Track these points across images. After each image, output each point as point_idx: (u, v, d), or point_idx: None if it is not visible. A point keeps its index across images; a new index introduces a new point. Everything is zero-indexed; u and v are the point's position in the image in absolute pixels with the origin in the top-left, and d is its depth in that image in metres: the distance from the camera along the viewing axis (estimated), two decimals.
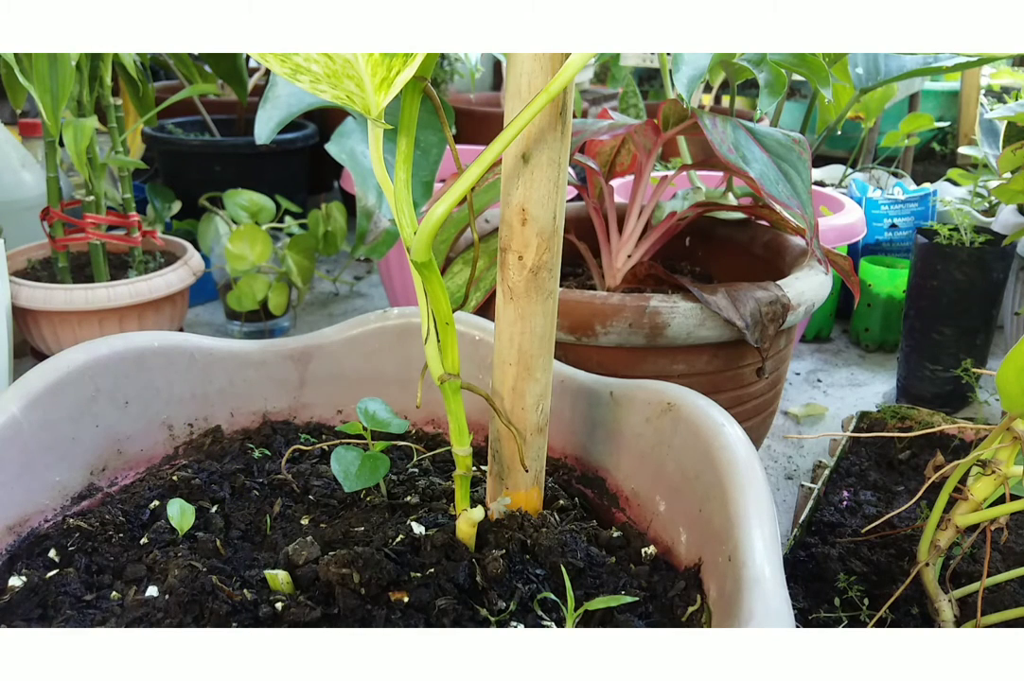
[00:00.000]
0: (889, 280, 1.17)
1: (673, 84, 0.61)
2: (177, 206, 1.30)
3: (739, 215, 0.80)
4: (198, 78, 1.27)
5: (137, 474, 0.50)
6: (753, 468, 0.40)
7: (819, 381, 1.13)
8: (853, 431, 0.87)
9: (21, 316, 0.97)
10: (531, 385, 0.42)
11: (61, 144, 0.93)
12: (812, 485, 0.75)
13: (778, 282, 0.64)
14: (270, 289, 1.04)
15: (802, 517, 0.70)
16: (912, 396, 1.05)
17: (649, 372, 0.62)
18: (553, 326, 0.41)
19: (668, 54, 0.78)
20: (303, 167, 1.41)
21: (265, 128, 0.77)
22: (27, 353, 1.05)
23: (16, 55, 0.91)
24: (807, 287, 0.64)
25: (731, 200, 0.76)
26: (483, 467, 0.50)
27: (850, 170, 1.50)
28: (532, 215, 0.38)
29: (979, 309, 0.99)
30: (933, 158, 1.91)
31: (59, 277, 1.01)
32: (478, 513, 0.40)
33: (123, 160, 0.97)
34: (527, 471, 0.42)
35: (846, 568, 0.63)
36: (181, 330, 1.10)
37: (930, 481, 0.56)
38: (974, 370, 0.81)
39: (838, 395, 1.09)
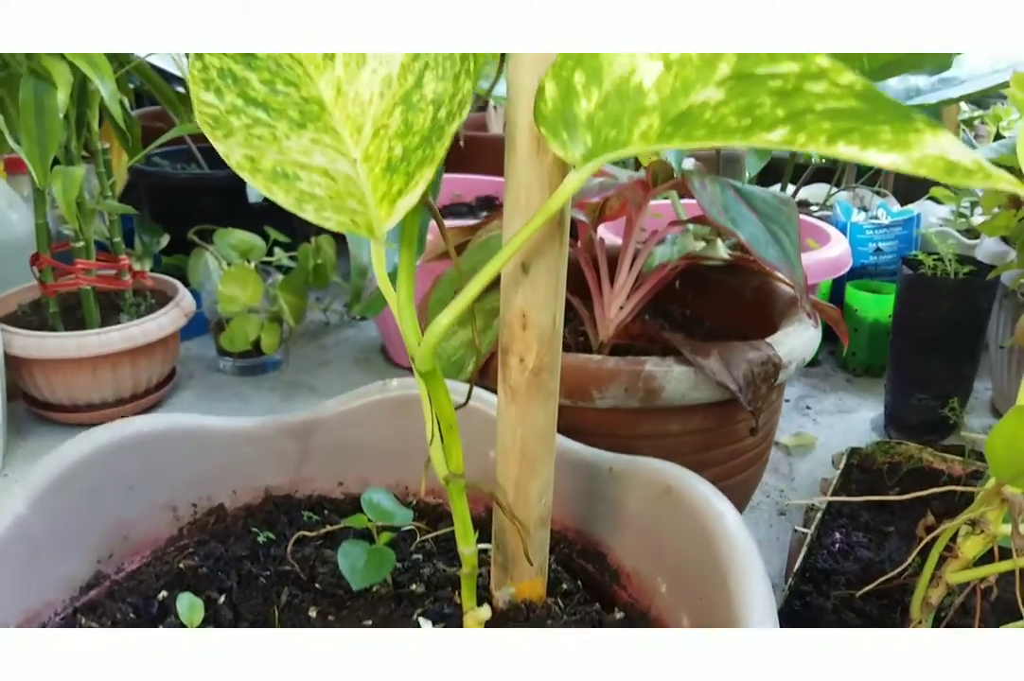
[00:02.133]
0: (875, 305, 1.19)
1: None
2: (165, 240, 1.29)
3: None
4: (181, 108, 1.26)
5: (143, 558, 0.51)
6: (753, 561, 0.41)
7: (808, 408, 1.14)
8: (844, 467, 0.89)
9: (14, 364, 0.97)
10: (534, 481, 0.42)
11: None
12: (805, 529, 0.76)
13: (769, 340, 0.65)
14: (262, 329, 1.04)
15: (796, 565, 0.72)
16: (900, 423, 1.07)
17: (645, 431, 0.63)
18: (554, 423, 0.42)
19: None
20: None
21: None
22: (19, 396, 1.05)
23: (3, 108, 0.91)
24: (797, 343, 0.65)
25: (720, 248, 0.77)
26: (485, 545, 0.50)
27: (834, 189, 1.52)
28: (532, 320, 0.39)
29: (964, 338, 1.01)
30: None
31: (50, 322, 1.01)
32: (485, 612, 0.40)
33: (113, 205, 0.97)
34: (531, 564, 0.43)
35: (840, 621, 0.64)
36: (174, 370, 1.10)
37: (923, 543, 0.57)
38: (965, 434, 0.82)
39: (827, 422, 1.10)
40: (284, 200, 0.34)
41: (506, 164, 0.38)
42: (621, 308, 0.74)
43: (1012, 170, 0.44)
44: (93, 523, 0.48)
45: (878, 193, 1.50)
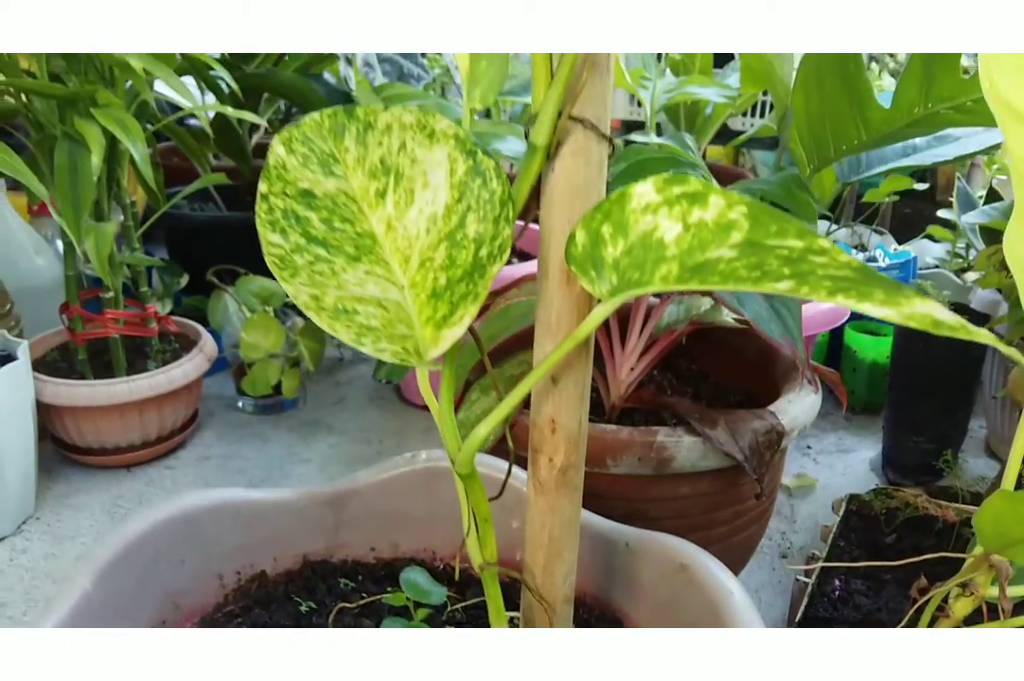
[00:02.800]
0: (873, 347, 1.23)
1: None
2: (185, 280, 1.33)
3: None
4: (204, 158, 1.30)
5: (192, 624, 0.55)
6: None
7: (809, 447, 1.18)
8: (843, 514, 0.93)
9: (44, 409, 1.00)
10: (560, 564, 0.46)
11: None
12: (806, 579, 0.80)
13: (772, 407, 0.69)
14: (283, 373, 1.08)
15: (798, 614, 0.76)
16: (897, 465, 1.11)
17: (656, 495, 0.67)
18: (579, 513, 0.46)
19: None
20: None
21: None
22: (46, 438, 1.09)
23: (35, 167, 0.95)
24: (800, 411, 0.69)
25: (724, 313, 0.81)
26: (512, 613, 0.54)
27: (834, 226, 1.56)
28: (561, 425, 0.43)
29: (959, 385, 1.05)
30: (914, 198, 1.96)
31: (79, 368, 1.05)
32: None
33: (141, 258, 1.01)
34: None
35: None
36: (196, 412, 1.14)
37: (916, 605, 0.61)
38: (958, 506, 0.86)
39: (827, 463, 1.14)
40: (345, 336, 0.38)
41: (539, 288, 0.42)
42: (632, 369, 0.78)
43: (1000, 233, 0.48)
44: (149, 595, 0.52)
45: (876, 231, 1.55)
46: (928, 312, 0.32)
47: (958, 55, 0.71)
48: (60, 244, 1.31)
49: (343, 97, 1.23)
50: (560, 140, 0.37)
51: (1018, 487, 0.56)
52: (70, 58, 0.94)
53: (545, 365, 0.39)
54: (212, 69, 1.15)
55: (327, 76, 1.54)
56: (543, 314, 0.42)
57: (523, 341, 0.62)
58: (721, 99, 0.98)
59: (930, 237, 1.50)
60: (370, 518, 0.61)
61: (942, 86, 0.71)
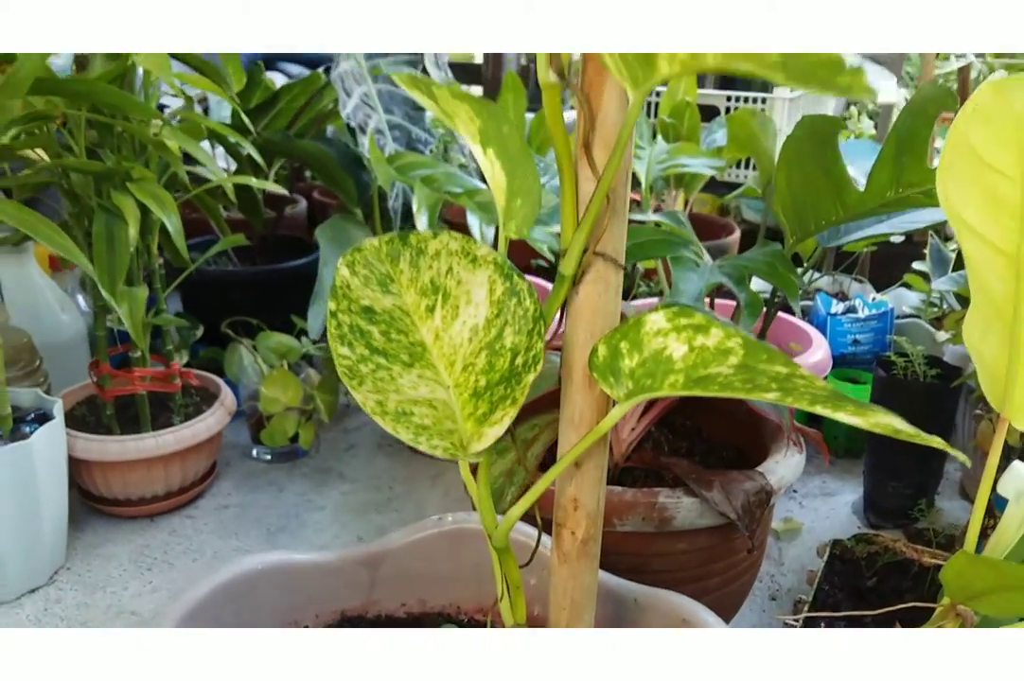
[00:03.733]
0: (854, 394, 1.30)
1: None
2: (200, 331, 1.40)
3: None
4: (224, 224, 1.36)
5: None
6: None
7: (795, 491, 1.25)
8: (827, 558, 1.00)
9: (73, 464, 1.06)
10: (580, 624, 0.53)
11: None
12: (794, 623, 0.86)
13: (761, 468, 0.76)
14: (299, 426, 1.14)
15: None
16: (877, 509, 1.18)
17: (657, 550, 0.74)
18: (596, 579, 0.53)
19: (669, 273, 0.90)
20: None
21: (316, 323, 0.89)
22: (73, 489, 1.14)
23: (72, 234, 1.02)
24: (786, 471, 0.76)
25: None
26: None
27: (816, 274, 1.64)
28: (582, 503, 0.50)
29: (934, 433, 1.12)
30: (892, 244, 2.05)
31: (105, 422, 1.10)
32: None
33: (169, 319, 1.07)
34: None
35: None
36: (215, 463, 1.20)
37: None
38: (933, 551, 0.93)
39: (812, 506, 1.21)
40: (406, 436, 0.45)
41: (563, 390, 0.49)
42: (633, 429, 0.85)
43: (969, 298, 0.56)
44: None
45: (856, 279, 1.63)
46: (889, 422, 0.40)
47: (926, 147, 0.79)
48: (80, 298, 1.37)
49: (354, 161, 1.30)
50: (584, 270, 0.44)
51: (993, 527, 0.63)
52: (104, 133, 1.01)
53: (571, 455, 0.46)
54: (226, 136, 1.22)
55: (331, 130, 1.62)
56: (567, 411, 0.49)
57: (533, 407, 0.69)
58: (708, 170, 1.06)
59: (907, 285, 1.59)
60: (401, 576, 0.67)
61: (911, 174, 0.79)
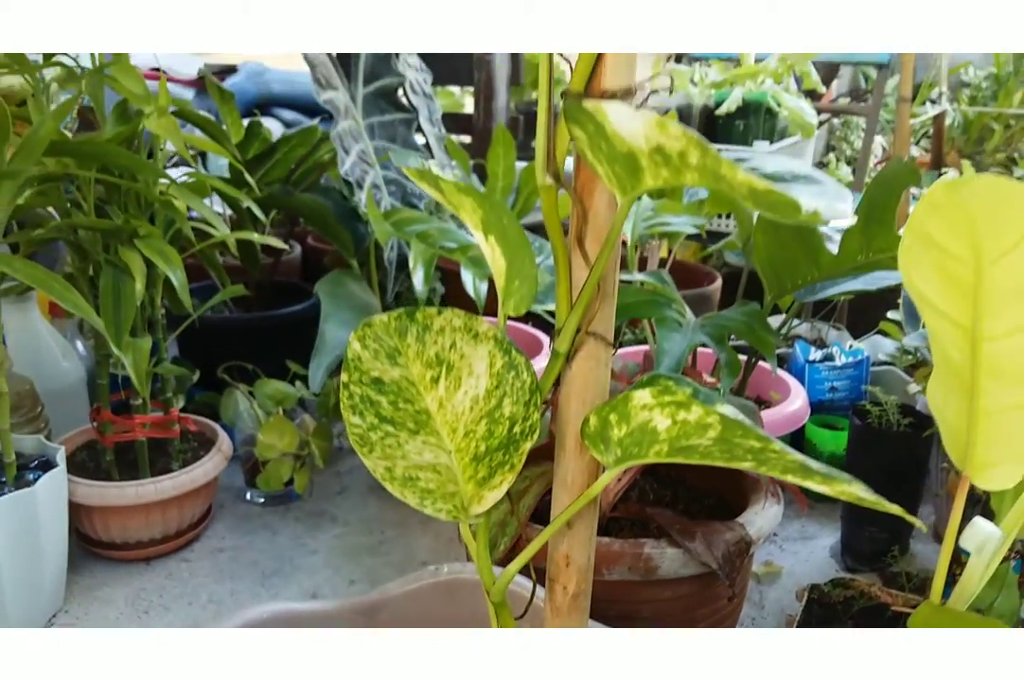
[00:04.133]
0: (831, 440, 1.35)
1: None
2: (196, 376, 1.43)
3: None
4: (227, 278, 1.39)
5: None
6: None
7: (775, 535, 1.29)
8: (805, 602, 1.03)
9: (73, 508, 1.08)
10: None
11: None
12: None
13: (741, 519, 0.80)
14: (295, 471, 1.17)
15: None
16: (854, 552, 1.22)
17: (643, 598, 0.77)
18: (586, 626, 0.56)
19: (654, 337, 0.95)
20: (310, 332, 1.56)
21: (317, 376, 0.93)
22: (71, 531, 1.16)
23: (78, 286, 1.06)
24: (765, 521, 0.80)
25: None
26: None
27: (795, 321, 1.69)
28: (574, 560, 0.54)
29: (907, 481, 1.17)
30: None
31: (104, 466, 1.13)
32: None
33: (170, 369, 1.11)
34: None
35: None
36: (210, 506, 1.23)
37: None
38: (906, 595, 0.97)
39: (792, 550, 1.25)
40: (412, 500, 0.49)
41: (556, 455, 0.53)
42: (619, 480, 0.89)
43: None
44: None
45: (834, 327, 1.69)
46: (853, 491, 0.44)
47: (893, 217, 0.85)
48: (79, 343, 1.41)
49: (350, 212, 1.35)
50: (577, 348, 0.49)
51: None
52: (112, 190, 1.05)
53: (564, 516, 0.50)
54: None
55: (325, 178, 1.67)
56: (560, 475, 0.53)
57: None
58: (691, 229, 1.11)
59: (883, 333, 1.65)
60: (398, 625, 0.70)
61: (880, 240, 0.85)
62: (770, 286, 1.00)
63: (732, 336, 0.88)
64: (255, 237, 1.09)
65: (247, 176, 1.20)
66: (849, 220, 0.92)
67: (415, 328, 0.51)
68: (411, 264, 1.05)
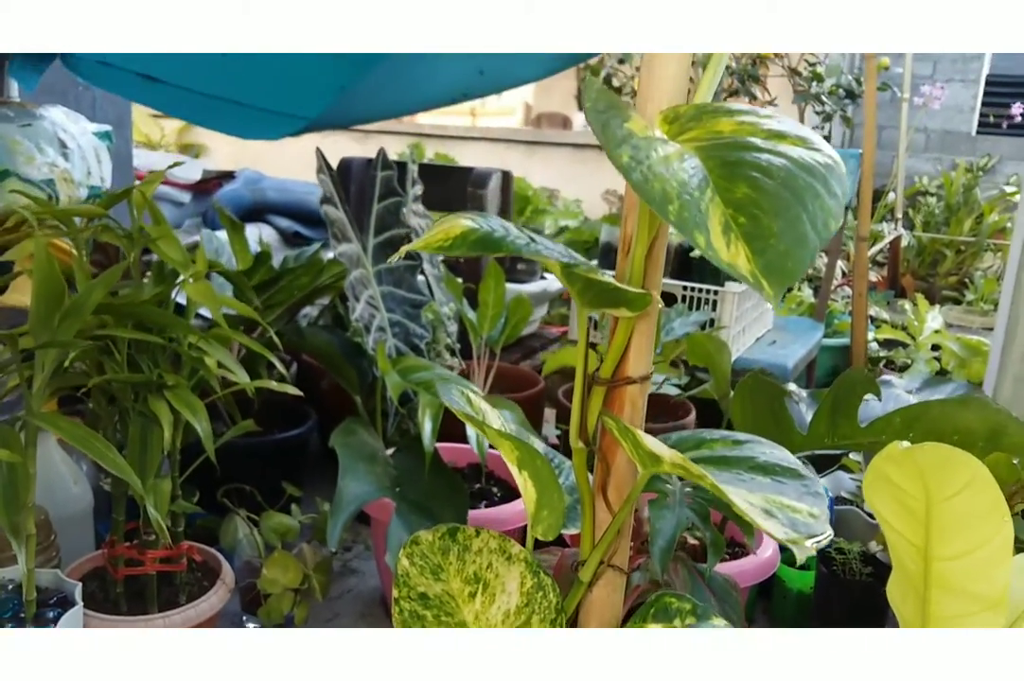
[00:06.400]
0: (799, 579, 1.43)
1: None
2: (195, 497, 1.49)
3: None
4: (232, 405, 1.47)
5: None
6: None
7: None
8: None
9: None
10: None
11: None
12: None
13: None
14: (295, 605, 1.23)
15: None
16: None
17: None
18: None
19: None
20: (308, 452, 1.63)
21: (335, 533, 1.00)
22: None
23: (105, 430, 1.13)
24: None
25: None
26: None
27: None
28: None
29: (871, 614, 1.26)
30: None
31: (113, 598, 1.18)
32: None
33: (184, 506, 1.18)
34: None
35: None
36: None
37: None
38: None
39: None
40: None
41: None
42: None
43: None
44: None
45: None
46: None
47: (856, 412, 0.96)
48: (84, 466, 1.46)
49: (355, 350, 1.45)
50: (597, 577, 0.58)
51: None
52: (143, 348, 1.14)
53: None
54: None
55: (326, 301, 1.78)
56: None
57: None
58: (674, 390, 1.22)
59: (845, 468, 1.75)
60: None
61: (844, 429, 0.96)
62: None
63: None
64: (273, 385, 1.18)
65: (260, 321, 1.30)
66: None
67: (456, 548, 0.60)
68: (419, 415, 1.14)
